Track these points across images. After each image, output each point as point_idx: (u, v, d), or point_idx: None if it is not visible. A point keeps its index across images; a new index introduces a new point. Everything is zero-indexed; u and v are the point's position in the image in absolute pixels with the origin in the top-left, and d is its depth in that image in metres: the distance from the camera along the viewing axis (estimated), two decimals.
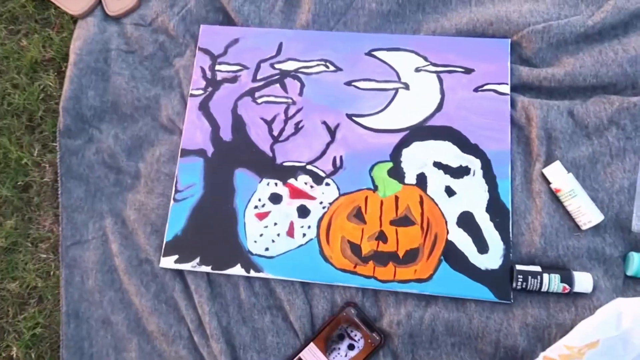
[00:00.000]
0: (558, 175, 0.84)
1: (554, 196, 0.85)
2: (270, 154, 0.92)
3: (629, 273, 0.81)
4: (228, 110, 0.95)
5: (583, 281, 0.79)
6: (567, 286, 0.79)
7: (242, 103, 0.96)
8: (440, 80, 0.92)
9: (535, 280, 0.79)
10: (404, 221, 0.86)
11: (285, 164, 0.91)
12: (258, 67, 0.97)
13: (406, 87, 0.93)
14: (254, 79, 0.97)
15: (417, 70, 0.93)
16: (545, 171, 0.85)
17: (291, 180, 0.90)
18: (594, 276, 0.80)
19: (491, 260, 0.83)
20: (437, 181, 0.88)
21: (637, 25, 0.90)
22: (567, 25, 0.89)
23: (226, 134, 0.94)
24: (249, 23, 1.00)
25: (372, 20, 0.98)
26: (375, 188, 0.88)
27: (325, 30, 0.98)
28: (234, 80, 0.97)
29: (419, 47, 0.94)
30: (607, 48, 0.89)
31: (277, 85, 0.96)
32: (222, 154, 0.93)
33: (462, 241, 0.84)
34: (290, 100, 0.95)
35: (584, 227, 0.82)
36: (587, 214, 0.81)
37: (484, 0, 0.97)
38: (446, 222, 0.85)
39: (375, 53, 0.95)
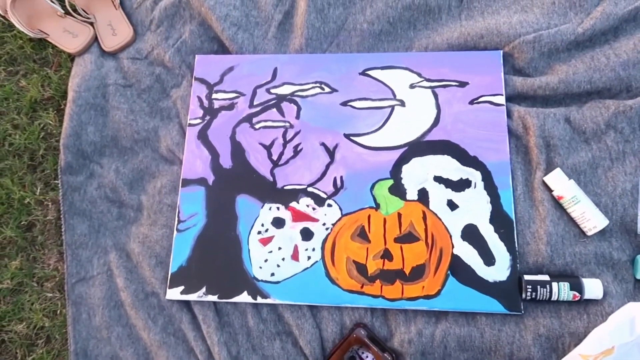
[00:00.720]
0: (559, 182, 0.84)
1: (557, 204, 0.84)
2: (271, 179, 0.92)
3: (639, 276, 0.80)
4: (227, 138, 0.96)
5: (593, 287, 0.78)
6: (577, 294, 0.78)
7: (240, 129, 0.96)
8: (436, 95, 0.93)
9: (545, 289, 0.78)
10: (409, 238, 0.86)
11: (286, 187, 0.92)
12: (254, 93, 0.98)
13: (402, 104, 0.93)
14: (251, 105, 0.97)
15: (412, 86, 0.94)
16: (547, 179, 0.85)
17: (293, 204, 0.90)
18: (604, 282, 0.80)
19: (498, 271, 0.82)
20: (438, 195, 0.87)
21: (627, 30, 0.91)
22: (558, 33, 0.90)
23: (226, 161, 0.95)
24: (243, 50, 1.01)
25: (364, 40, 0.99)
26: (377, 206, 0.88)
27: (318, 53, 0.99)
28: (231, 107, 0.98)
29: (412, 64, 0.95)
30: (598, 54, 0.89)
31: (274, 109, 0.97)
32: (223, 181, 0.94)
33: (468, 254, 0.84)
34: (287, 124, 0.95)
35: (589, 233, 0.82)
36: (592, 219, 0.81)
37: (474, 13, 0.98)
38: (451, 236, 0.85)
39: (369, 72, 0.96)
